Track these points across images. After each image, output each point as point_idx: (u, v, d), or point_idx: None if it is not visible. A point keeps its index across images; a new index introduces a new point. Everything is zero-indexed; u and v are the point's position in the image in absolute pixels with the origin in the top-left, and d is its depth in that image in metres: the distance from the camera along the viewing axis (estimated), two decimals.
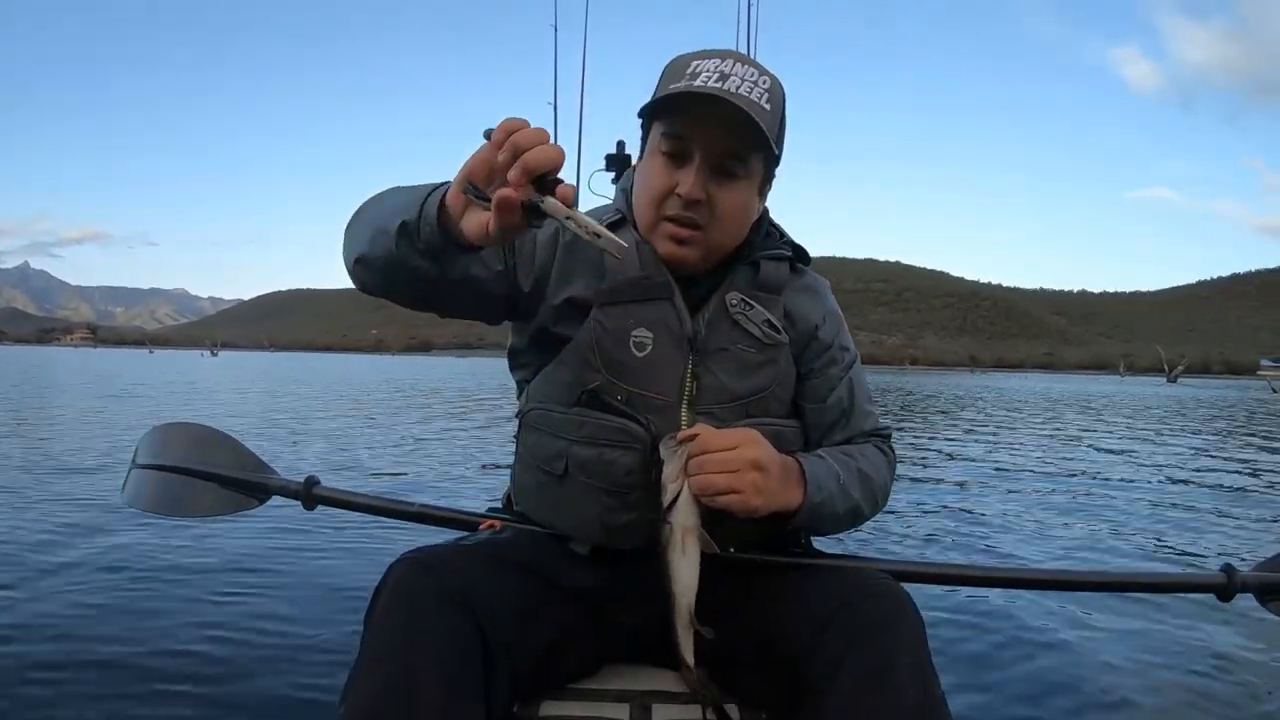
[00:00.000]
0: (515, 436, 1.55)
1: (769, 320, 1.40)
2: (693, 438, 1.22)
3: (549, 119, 5.39)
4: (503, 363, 1.58)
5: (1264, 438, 14.53)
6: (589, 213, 1.45)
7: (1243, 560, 2.98)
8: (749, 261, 1.42)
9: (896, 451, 1.58)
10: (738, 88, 1.27)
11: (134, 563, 3.78)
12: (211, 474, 1.96)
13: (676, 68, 1.33)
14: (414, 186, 1.18)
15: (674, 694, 1.33)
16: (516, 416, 1.54)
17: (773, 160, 1.39)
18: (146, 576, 3.57)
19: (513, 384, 1.59)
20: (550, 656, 1.31)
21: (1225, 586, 1.70)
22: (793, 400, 1.47)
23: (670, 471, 1.21)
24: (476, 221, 1.07)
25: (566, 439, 1.36)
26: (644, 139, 1.41)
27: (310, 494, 1.85)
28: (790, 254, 1.48)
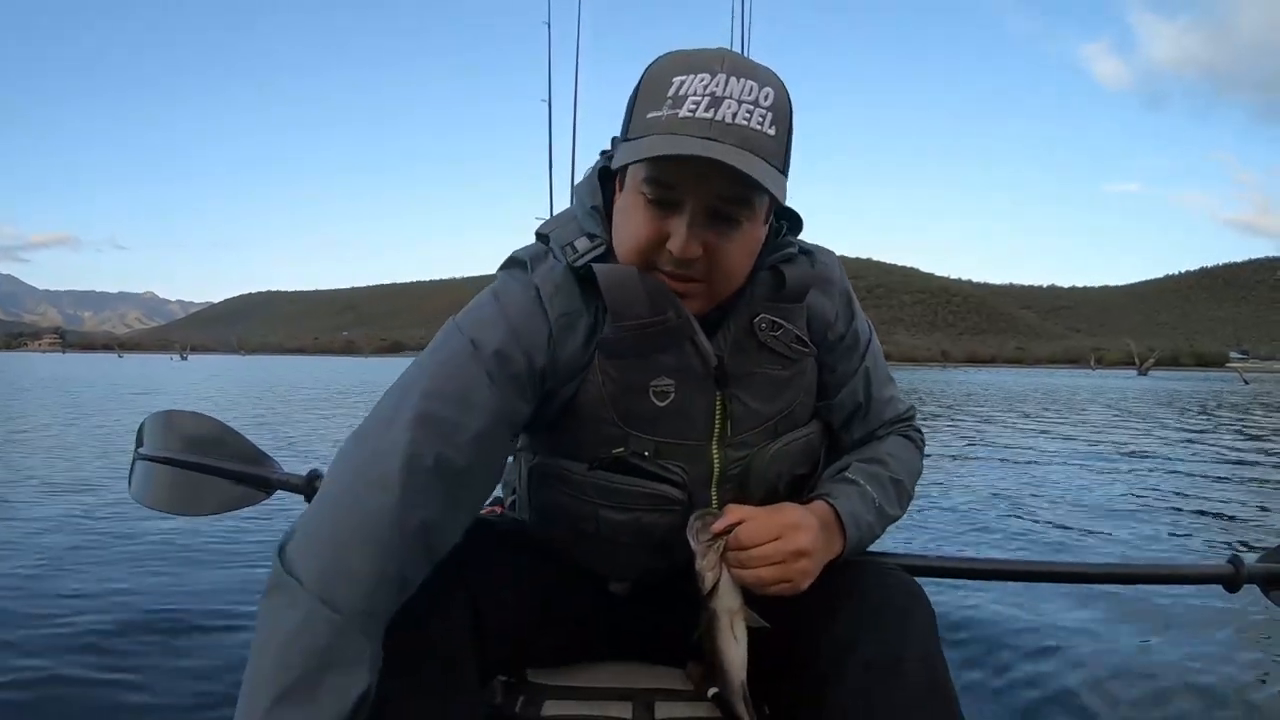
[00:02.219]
0: (514, 473, 1.45)
1: (798, 336, 1.27)
2: (726, 530, 1.16)
3: (543, 116, 5.34)
4: None
5: (1249, 428, 14.65)
6: (558, 216, 1.31)
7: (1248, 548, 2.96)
8: (766, 267, 1.24)
9: (923, 431, 1.51)
10: (734, 115, 1.06)
11: (133, 553, 3.87)
12: (216, 468, 1.96)
13: (657, 81, 1.11)
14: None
15: (677, 691, 1.32)
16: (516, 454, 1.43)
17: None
18: (144, 565, 3.66)
19: None
20: (545, 625, 1.31)
21: (1233, 578, 1.67)
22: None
23: (707, 561, 1.16)
24: None
25: (593, 502, 1.26)
26: (620, 172, 1.19)
27: (313, 487, 1.84)
28: (805, 249, 1.29)
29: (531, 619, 1.28)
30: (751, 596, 1.18)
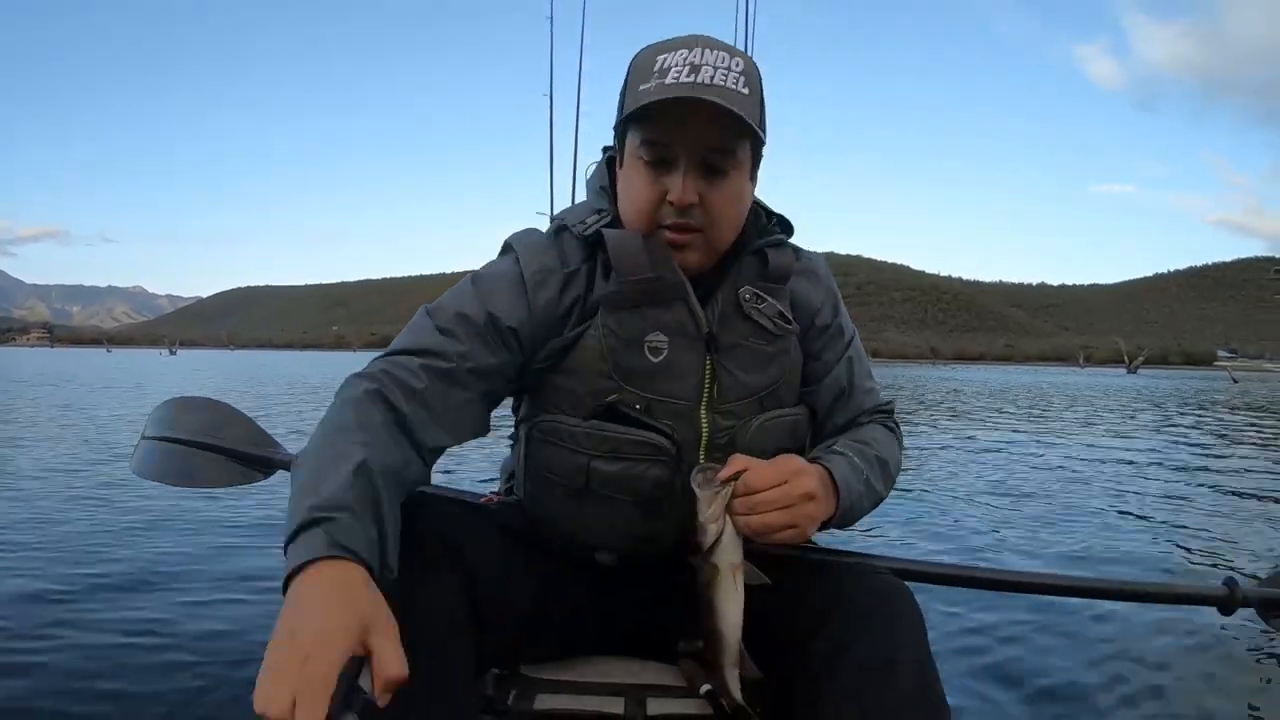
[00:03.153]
0: (514, 437, 1.49)
1: (780, 313, 1.35)
2: (734, 476, 1.17)
3: (544, 110, 5.31)
4: None
5: (1244, 431, 14.64)
6: (572, 208, 1.43)
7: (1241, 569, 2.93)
8: (752, 250, 1.36)
9: (900, 426, 1.58)
10: (711, 78, 1.20)
11: (136, 542, 3.86)
12: (219, 447, 2.02)
13: (643, 64, 1.26)
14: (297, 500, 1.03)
15: (669, 687, 1.32)
16: (514, 415, 1.49)
17: (759, 143, 1.32)
18: (149, 552, 3.68)
19: None
20: (540, 611, 1.32)
21: (1227, 600, 1.67)
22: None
23: (711, 512, 1.16)
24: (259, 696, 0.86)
25: (586, 453, 1.31)
26: (620, 143, 1.36)
27: None
28: (790, 240, 1.43)
29: (528, 611, 1.30)
30: (750, 554, 1.20)
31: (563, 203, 7.03)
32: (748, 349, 1.33)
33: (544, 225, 1.42)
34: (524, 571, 1.31)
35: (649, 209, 1.28)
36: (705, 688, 1.26)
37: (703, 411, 1.31)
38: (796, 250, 1.43)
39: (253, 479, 2.02)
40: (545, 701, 1.29)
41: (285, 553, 0.97)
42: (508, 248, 1.37)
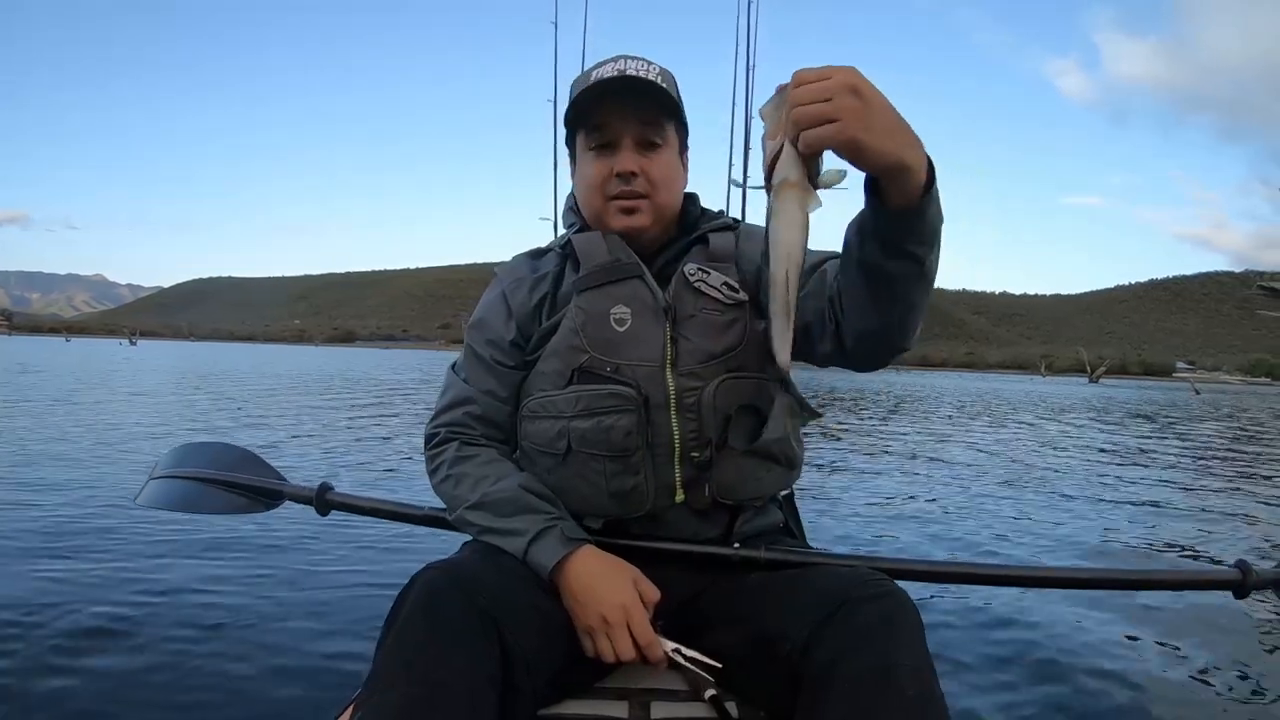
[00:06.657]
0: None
1: (727, 283, 1.49)
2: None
3: (549, 116, 5.21)
4: (426, 354, 1.76)
5: (1210, 437, 15.07)
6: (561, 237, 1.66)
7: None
8: (698, 238, 1.55)
9: None
10: (633, 70, 1.47)
11: (144, 569, 3.75)
12: (224, 480, 2.09)
13: (578, 80, 1.54)
14: (510, 519, 1.39)
15: (673, 691, 1.33)
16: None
17: (684, 129, 1.58)
18: (158, 581, 3.54)
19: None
20: (569, 670, 1.33)
21: (1240, 583, 1.66)
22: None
23: (770, 128, 1.14)
24: (606, 650, 1.29)
25: (565, 417, 1.45)
26: (572, 153, 1.61)
27: (324, 499, 1.94)
28: (733, 223, 1.60)
29: (559, 671, 1.31)
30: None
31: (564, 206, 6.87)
32: (702, 318, 1.47)
33: (548, 229, 1.59)
34: (558, 632, 1.32)
35: (599, 184, 1.50)
36: (710, 693, 1.27)
37: (667, 374, 1.44)
38: (736, 224, 1.60)
39: (257, 508, 2.07)
40: (549, 705, 1.29)
41: (525, 558, 1.33)
42: (494, 278, 1.63)
